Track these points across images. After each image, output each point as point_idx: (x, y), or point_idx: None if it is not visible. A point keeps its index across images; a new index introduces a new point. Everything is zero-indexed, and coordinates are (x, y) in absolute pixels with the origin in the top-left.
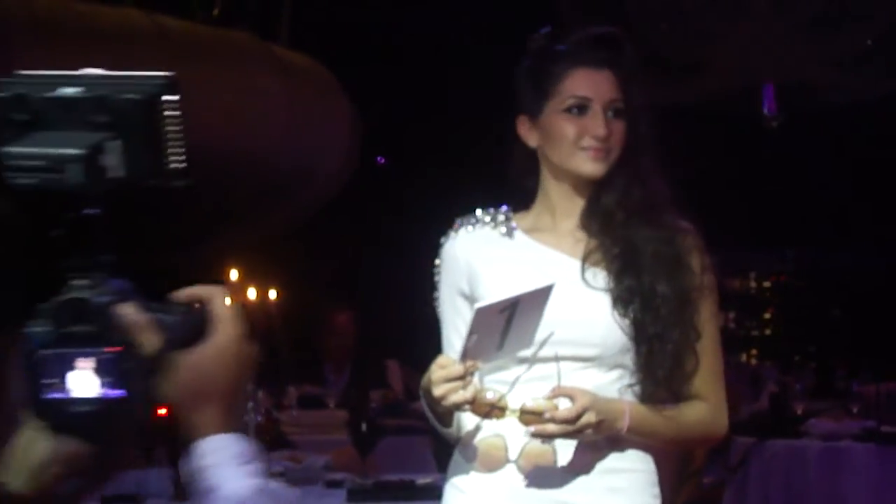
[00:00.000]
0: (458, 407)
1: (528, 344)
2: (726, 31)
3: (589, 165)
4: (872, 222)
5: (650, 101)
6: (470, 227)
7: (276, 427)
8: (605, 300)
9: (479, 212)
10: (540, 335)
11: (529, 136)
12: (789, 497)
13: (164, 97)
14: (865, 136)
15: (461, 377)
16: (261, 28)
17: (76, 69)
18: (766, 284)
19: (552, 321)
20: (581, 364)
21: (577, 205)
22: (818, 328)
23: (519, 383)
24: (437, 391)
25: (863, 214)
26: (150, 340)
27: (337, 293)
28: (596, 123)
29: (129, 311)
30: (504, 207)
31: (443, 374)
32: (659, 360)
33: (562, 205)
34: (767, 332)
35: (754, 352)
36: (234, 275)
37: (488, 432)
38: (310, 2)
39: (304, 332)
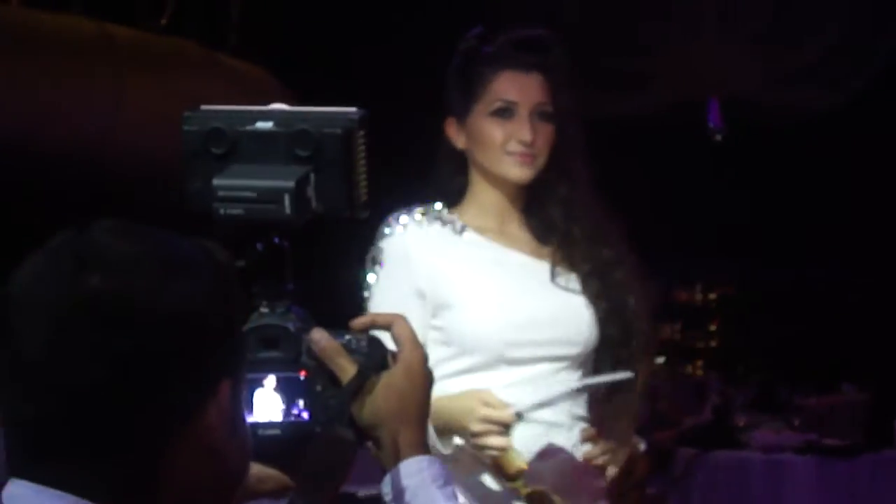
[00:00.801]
0: (485, 448)
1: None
2: (672, 44)
3: (515, 170)
4: (817, 236)
5: (581, 106)
6: (415, 223)
7: None
8: (579, 301)
9: (419, 208)
10: (518, 336)
11: (457, 137)
12: None
13: (360, 132)
14: (810, 150)
15: (506, 425)
16: (208, 36)
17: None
18: (712, 296)
19: (534, 323)
20: (559, 365)
21: (515, 207)
22: (762, 340)
23: (504, 387)
24: (476, 427)
25: (807, 228)
26: (343, 367)
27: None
28: (522, 127)
29: (320, 338)
30: (439, 205)
31: (489, 414)
32: (622, 364)
33: (499, 206)
34: (713, 343)
35: (699, 363)
36: None
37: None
38: (258, 10)
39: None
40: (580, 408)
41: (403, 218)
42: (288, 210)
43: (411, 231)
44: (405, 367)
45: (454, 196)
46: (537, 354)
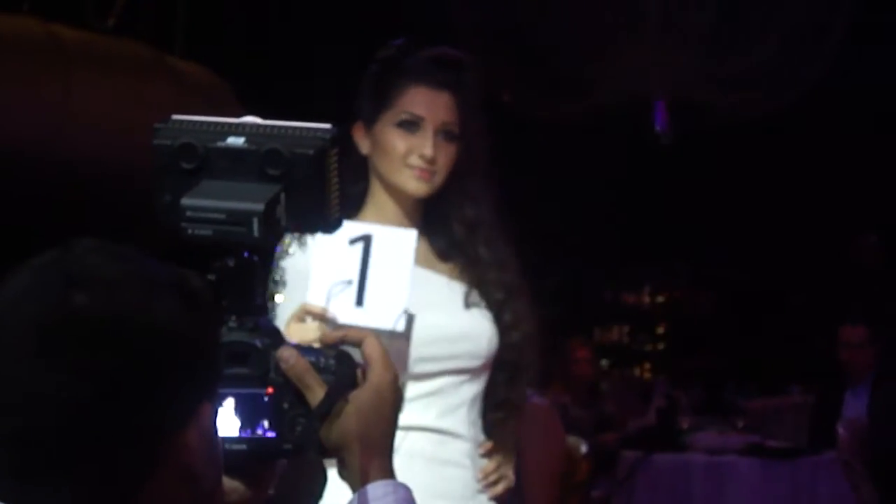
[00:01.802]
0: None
1: (390, 319)
2: (616, 47)
3: (412, 183)
4: (762, 239)
5: (489, 124)
6: (315, 241)
7: None
8: (483, 316)
9: None
10: (427, 351)
11: (362, 142)
12: None
13: (331, 150)
14: (756, 152)
15: (314, 317)
16: (156, 38)
17: None
18: (660, 299)
19: (442, 338)
20: (462, 377)
21: (413, 219)
22: (708, 343)
23: (408, 401)
24: (288, 331)
25: (753, 231)
26: (312, 387)
27: None
28: (424, 143)
29: (289, 356)
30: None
31: (295, 314)
32: (512, 388)
33: (397, 217)
34: (660, 346)
35: (647, 366)
36: None
37: None
38: (205, 12)
39: None
40: (478, 417)
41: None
42: (256, 233)
43: (310, 250)
44: (374, 389)
45: (354, 200)
46: (442, 368)
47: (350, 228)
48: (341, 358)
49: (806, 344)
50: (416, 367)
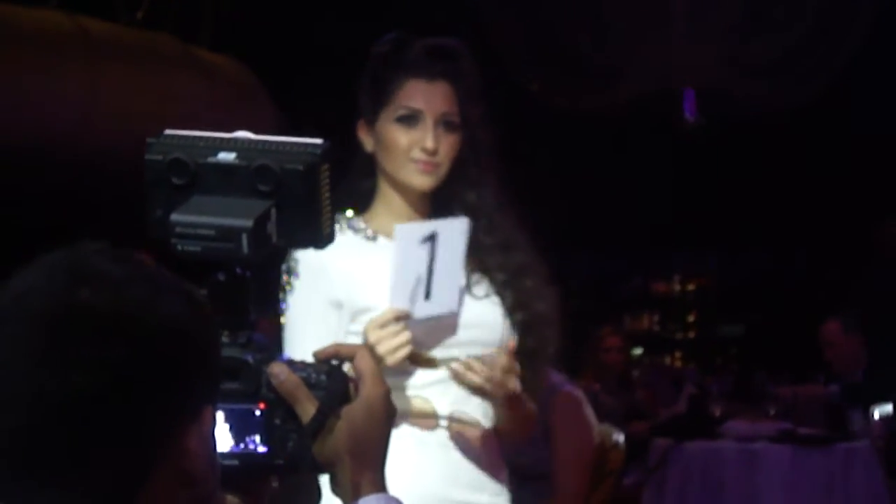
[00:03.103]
0: (395, 355)
1: (452, 302)
2: (644, 37)
3: (417, 178)
4: (792, 227)
5: (491, 113)
6: None
7: None
8: (494, 305)
9: None
10: (442, 338)
11: (366, 140)
12: (706, 497)
13: (322, 166)
14: (786, 141)
15: (398, 319)
16: (184, 30)
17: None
18: (690, 287)
19: (451, 324)
20: None
21: (422, 212)
22: (739, 331)
23: (421, 387)
24: (373, 337)
25: (783, 219)
26: (303, 403)
27: None
28: (425, 136)
29: (279, 372)
30: (350, 212)
31: (378, 320)
32: (530, 371)
33: (406, 211)
34: (691, 334)
35: (678, 354)
36: None
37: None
38: (233, 4)
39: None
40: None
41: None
42: (246, 249)
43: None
44: (366, 404)
45: (364, 198)
46: (454, 354)
47: (421, 229)
48: (333, 373)
49: None
50: (428, 353)
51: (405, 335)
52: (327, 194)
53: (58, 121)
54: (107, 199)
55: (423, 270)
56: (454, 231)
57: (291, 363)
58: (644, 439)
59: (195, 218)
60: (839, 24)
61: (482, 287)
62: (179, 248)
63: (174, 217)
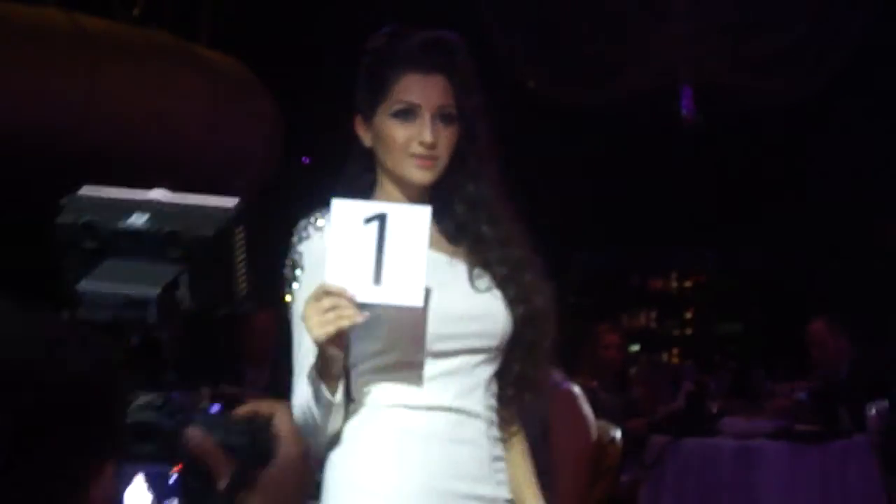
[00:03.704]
0: (321, 330)
1: (414, 295)
2: (642, 32)
3: (417, 173)
4: (789, 224)
5: (488, 103)
6: (313, 229)
7: None
8: (496, 298)
9: (319, 212)
10: (443, 329)
11: (364, 136)
12: (703, 494)
13: (235, 229)
14: (783, 136)
15: (336, 296)
16: (182, 28)
17: None
18: (687, 284)
19: (459, 317)
20: (479, 357)
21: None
22: (737, 328)
23: (428, 380)
24: (305, 311)
25: (780, 216)
26: (219, 467)
27: (257, 292)
28: (423, 130)
29: (195, 435)
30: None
31: (312, 295)
32: (529, 364)
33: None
34: (688, 331)
35: (676, 351)
36: None
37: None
38: (230, 1)
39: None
40: (493, 398)
41: (320, 221)
42: (153, 318)
43: (327, 233)
44: (280, 465)
45: (363, 193)
46: (459, 347)
47: (364, 208)
48: (252, 430)
49: None
50: (433, 345)
51: (338, 313)
52: (241, 256)
53: (56, 117)
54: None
55: (368, 252)
56: (412, 218)
57: (209, 424)
58: (642, 436)
59: (103, 287)
60: (839, 20)
61: (484, 280)
62: (89, 316)
63: (83, 286)
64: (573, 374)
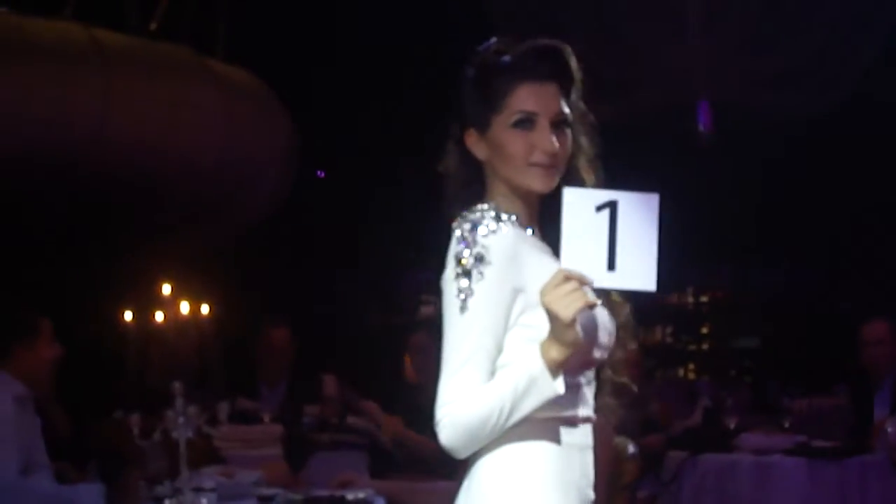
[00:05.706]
0: (569, 308)
1: (646, 278)
2: (659, 48)
3: (539, 182)
4: (805, 240)
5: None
6: (501, 223)
7: (208, 442)
8: (605, 309)
9: (486, 207)
10: (601, 340)
11: (477, 148)
12: None
13: None
14: (800, 153)
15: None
16: (198, 42)
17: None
18: (704, 300)
19: (602, 326)
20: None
21: (536, 216)
22: (753, 343)
23: (580, 387)
24: (546, 298)
25: (796, 232)
26: None
27: (272, 308)
28: (544, 138)
29: None
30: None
31: (551, 282)
32: (619, 372)
33: (524, 216)
34: (704, 347)
35: (692, 367)
36: (166, 289)
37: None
38: (246, 16)
39: (238, 346)
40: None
41: (503, 216)
42: None
43: (508, 230)
44: None
45: (468, 202)
46: (599, 356)
47: (595, 196)
48: None
49: (851, 343)
50: (594, 353)
51: (580, 293)
52: None
53: (72, 131)
54: (121, 208)
55: (601, 239)
56: (642, 204)
57: None
58: (659, 452)
59: None
60: (856, 35)
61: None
62: None
63: None
64: None
